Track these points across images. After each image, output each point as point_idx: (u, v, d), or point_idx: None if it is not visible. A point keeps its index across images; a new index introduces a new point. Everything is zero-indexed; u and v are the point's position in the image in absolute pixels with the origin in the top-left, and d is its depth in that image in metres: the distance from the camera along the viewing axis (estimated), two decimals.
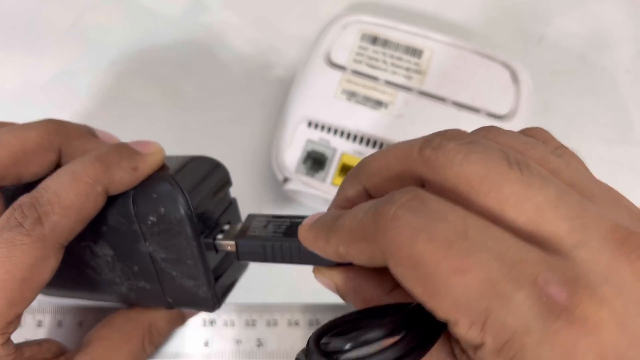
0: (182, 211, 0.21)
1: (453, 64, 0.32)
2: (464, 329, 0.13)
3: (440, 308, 0.13)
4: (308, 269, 0.38)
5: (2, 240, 0.19)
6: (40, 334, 0.36)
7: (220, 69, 0.40)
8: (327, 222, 0.18)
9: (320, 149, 0.32)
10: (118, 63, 0.40)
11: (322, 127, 0.32)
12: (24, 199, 0.20)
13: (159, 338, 0.28)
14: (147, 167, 0.22)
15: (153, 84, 0.39)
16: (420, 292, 0.14)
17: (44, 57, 0.40)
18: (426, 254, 0.13)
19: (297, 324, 0.35)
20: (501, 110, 0.32)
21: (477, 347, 0.13)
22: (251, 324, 0.35)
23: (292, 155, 0.32)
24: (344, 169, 0.31)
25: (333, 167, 0.31)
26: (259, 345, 0.35)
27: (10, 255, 0.19)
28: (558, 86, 0.38)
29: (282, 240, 0.22)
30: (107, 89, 0.39)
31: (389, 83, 0.32)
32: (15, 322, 0.21)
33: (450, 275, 0.13)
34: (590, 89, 0.38)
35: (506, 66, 0.32)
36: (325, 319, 0.35)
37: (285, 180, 0.32)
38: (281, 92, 0.38)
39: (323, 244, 0.18)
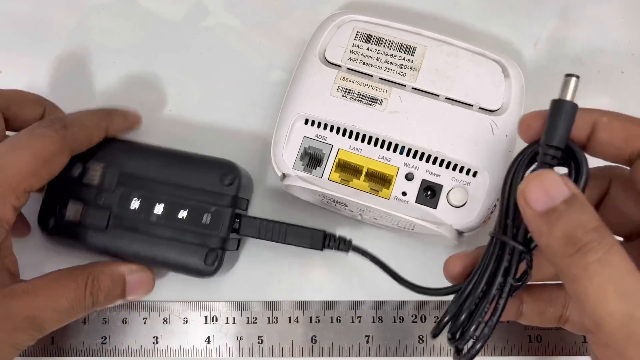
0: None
1: (445, 60, 0.33)
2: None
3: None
4: (308, 267, 0.38)
5: (37, 132, 0.29)
6: None
7: (221, 71, 0.40)
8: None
9: (317, 145, 0.32)
10: (121, 65, 0.41)
11: (319, 124, 0.33)
12: (56, 115, 0.34)
13: (99, 293, 0.31)
14: (134, 119, 0.37)
15: (156, 86, 0.40)
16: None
17: (47, 59, 0.41)
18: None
19: (297, 321, 0.36)
20: (493, 105, 0.32)
21: None
22: (252, 321, 0.36)
23: (289, 152, 0.32)
24: (340, 165, 0.32)
25: (330, 163, 0.32)
26: (260, 342, 0.36)
27: (41, 141, 0.29)
28: (554, 88, 0.39)
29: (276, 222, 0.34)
30: (110, 91, 0.40)
31: (383, 80, 0.33)
32: (27, 195, 0.29)
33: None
34: (586, 91, 0.39)
35: (497, 62, 0.33)
36: (324, 316, 0.36)
37: (284, 176, 0.33)
38: (282, 93, 0.39)
39: (547, 229, 0.22)
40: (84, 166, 0.34)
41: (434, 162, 0.32)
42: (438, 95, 0.32)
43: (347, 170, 0.32)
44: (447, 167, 0.32)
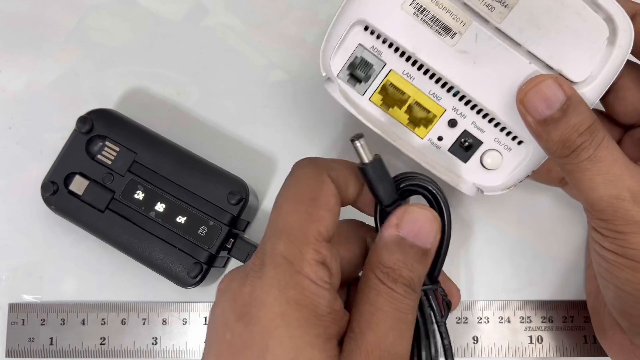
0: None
1: (548, 5, 0.27)
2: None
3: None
4: None
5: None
6: (44, 331, 0.36)
7: (221, 71, 0.40)
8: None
9: (369, 58, 0.30)
10: (120, 65, 0.40)
11: (379, 36, 0.29)
12: None
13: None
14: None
15: (155, 86, 0.40)
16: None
17: (47, 59, 0.41)
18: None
19: None
20: (578, 75, 0.28)
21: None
22: None
23: (339, 56, 0.30)
24: (386, 88, 0.30)
25: (377, 82, 0.30)
26: None
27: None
28: None
29: None
30: (109, 91, 0.40)
31: (466, 6, 0.28)
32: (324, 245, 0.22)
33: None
34: None
35: (609, 21, 0.27)
36: None
37: (328, 79, 0.31)
38: (282, 94, 0.39)
39: (545, 135, 0.26)
40: (101, 144, 0.34)
41: (483, 117, 0.29)
42: (520, 46, 0.28)
43: (392, 95, 0.30)
44: (496, 126, 0.29)
